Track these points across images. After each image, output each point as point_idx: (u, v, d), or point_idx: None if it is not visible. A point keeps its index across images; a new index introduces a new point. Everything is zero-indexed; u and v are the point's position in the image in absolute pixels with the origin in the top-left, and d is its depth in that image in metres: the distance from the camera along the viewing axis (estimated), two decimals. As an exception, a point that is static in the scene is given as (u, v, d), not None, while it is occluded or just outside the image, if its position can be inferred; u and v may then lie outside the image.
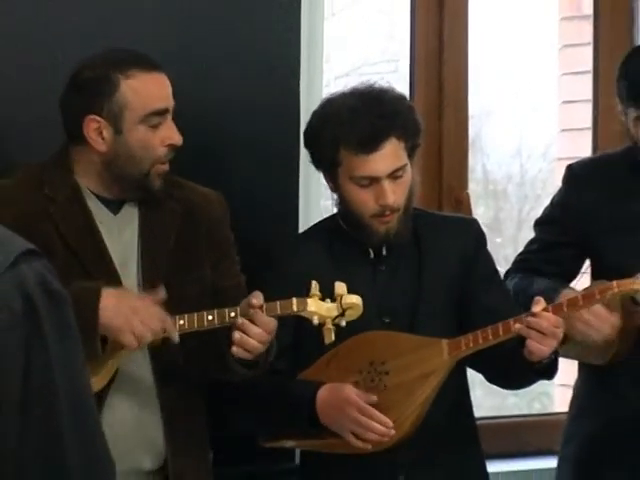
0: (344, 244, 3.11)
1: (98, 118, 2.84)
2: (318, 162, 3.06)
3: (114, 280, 2.90)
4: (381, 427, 2.88)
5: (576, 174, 3.42)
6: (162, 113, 2.87)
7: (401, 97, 3.04)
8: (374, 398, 2.90)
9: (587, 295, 2.98)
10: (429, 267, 3.13)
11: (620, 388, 3.25)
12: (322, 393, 2.93)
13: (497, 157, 5.02)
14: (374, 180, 2.93)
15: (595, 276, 3.23)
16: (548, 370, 2.99)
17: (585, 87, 4.17)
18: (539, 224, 3.42)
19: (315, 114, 3.03)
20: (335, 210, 3.13)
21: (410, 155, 2.97)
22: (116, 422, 2.82)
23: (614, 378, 3.23)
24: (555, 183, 4.03)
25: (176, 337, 2.78)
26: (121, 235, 2.96)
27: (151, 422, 2.94)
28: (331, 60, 3.87)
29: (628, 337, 3.10)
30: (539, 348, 2.83)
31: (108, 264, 2.90)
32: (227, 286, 2.99)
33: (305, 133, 3.06)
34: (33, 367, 1.49)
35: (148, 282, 2.95)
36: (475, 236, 3.20)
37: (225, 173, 3.37)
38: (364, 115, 2.93)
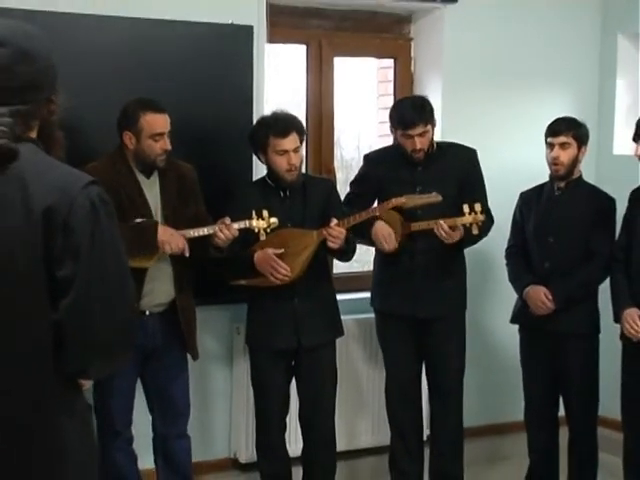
0: (269, 189, 4.19)
1: (129, 133, 3.87)
2: (255, 147, 4.14)
3: (148, 211, 3.89)
4: (283, 271, 4.04)
5: (370, 157, 4.60)
6: (161, 134, 3.87)
7: (294, 116, 4.17)
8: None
9: (397, 199, 4.10)
10: (309, 200, 4.20)
11: (398, 259, 4.37)
12: (257, 254, 4.07)
13: (348, 149, 6.22)
14: (286, 152, 4.04)
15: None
16: (346, 253, 4.19)
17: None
18: (353, 183, 4.59)
19: (256, 123, 4.20)
20: (265, 172, 4.21)
21: (301, 143, 4.11)
22: (152, 280, 3.91)
23: (396, 256, 4.36)
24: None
25: (187, 253, 3.84)
26: (152, 189, 3.98)
27: (168, 279, 4.02)
28: (268, 102, 4.73)
29: (402, 237, 4.30)
30: (331, 245, 4.02)
31: (145, 203, 3.93)
32: (200, 214, 4.05)
33: (250, 135, 4.16)
34: (96, 238, 2.06)
35: (166, 211, 3.95)
36: (331, 187, 4.36)
37: (216, 157, 4.52)
38: (281, 122, 4.09)
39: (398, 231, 4.28)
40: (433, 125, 4.34)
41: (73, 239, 2.02)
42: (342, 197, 4.47)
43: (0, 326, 2.04)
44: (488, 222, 4.36)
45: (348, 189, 4.63)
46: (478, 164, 4.49)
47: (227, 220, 3.90)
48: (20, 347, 2.05)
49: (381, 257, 4.52)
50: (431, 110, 4.32)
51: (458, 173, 4.42)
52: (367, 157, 4.64)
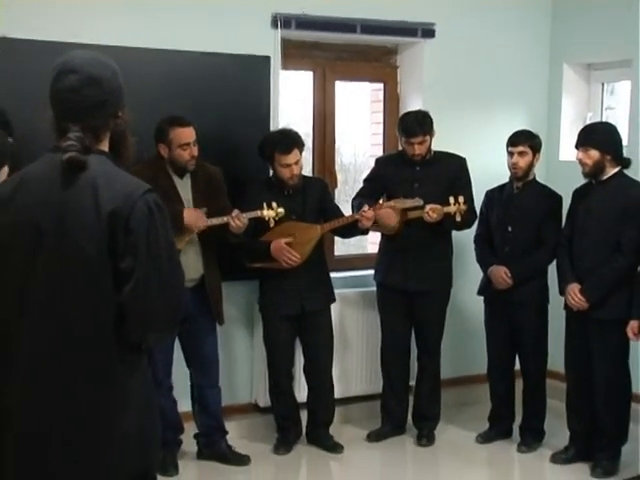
0: (276, 188, 4.55)
1: (163, 145, 4.20)
2: (264, 157, 4.53)
3: (181, 204, 4.23)
4: (294, 258, 4.45)
5: (380, 160, 4.99)
6: (188, 144, 4.19)
7: (295, 132, 4.46)
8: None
9: (387, 203, 4.47)
10: (307, 197, 4.54)
11: (397, 242, 4.72)
12: (273, 244, 4.45)
13: (346, 155, 6.47)
14: (288, 165, 4.44)
15: (388, 199, 4.63)
16: (366, 231, 4.67)
17: (379, 128, 5.69)
18: (365, 181, 4.94)
19: (264, 139, 4.51)
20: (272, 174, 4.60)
21: (301, 154, 4.46)
22: (184, 259, 3.85)
23: (396, 240, 4.72)
24: (368, 166, 5.29)
25: (205, 223, 4.06)
26: (184, 188, 4.31)
27: (197, 258, 4.31)
28: (283, 118, 4.98)
29: (401, 224, 4.64)
30: (364, 224, 4.44)
31: (179, 198, 4.26)
32: (223, 207, 4.32)
33: (259, 147, 4.52)
34: (151, 237, 2.17)
35: (196, 204, 4.21)
36: (325, 185, 4.71)
37: (240, 163, 4.80)
38: (285, 138, 4.45)
39: (398, 219, 4.64)
40: (431, 135, 4.73)
41: (132, 238, 2.15)
42: (340, 194, 4.95)
43: (76, 305, 2.18)
44: (472, 216, 4.75)
45: (361, 185, 5.03)
46: (467, 169, 4.85)
47: (235, 212, 4.24)
48: (93, 321, 2.19)
49: (384, 240, 4.89)
50: (430, 123, 4.70)
51: (449, 174, 4.78)
52: (377, 160, 5.06)
